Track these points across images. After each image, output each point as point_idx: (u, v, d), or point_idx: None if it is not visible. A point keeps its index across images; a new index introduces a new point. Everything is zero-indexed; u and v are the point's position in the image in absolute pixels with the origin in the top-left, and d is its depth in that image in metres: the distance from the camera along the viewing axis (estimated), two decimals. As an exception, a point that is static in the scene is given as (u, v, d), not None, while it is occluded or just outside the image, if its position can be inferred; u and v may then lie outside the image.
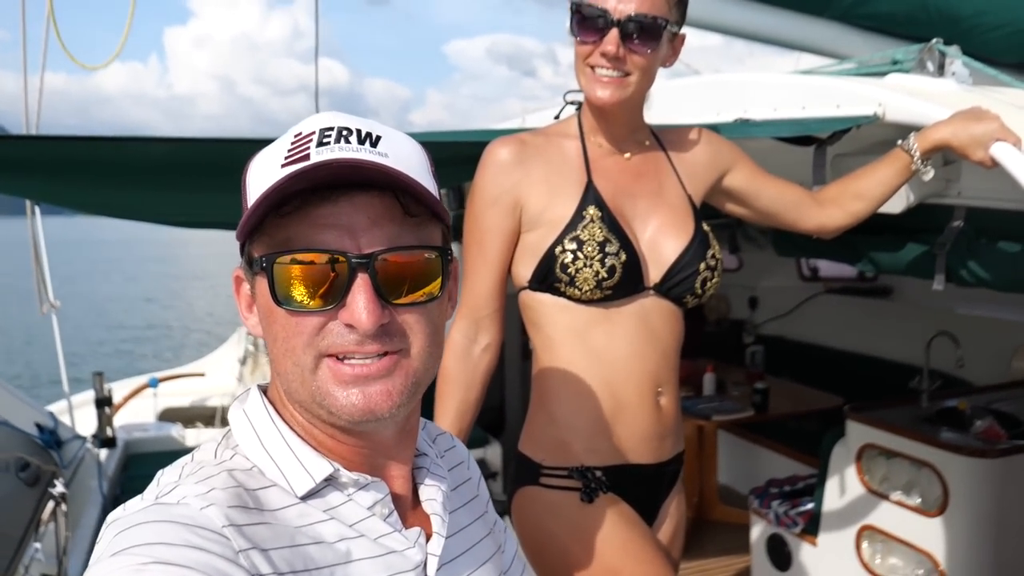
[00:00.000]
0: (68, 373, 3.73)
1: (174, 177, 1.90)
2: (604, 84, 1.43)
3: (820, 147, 1.78)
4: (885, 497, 2.62)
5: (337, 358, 0.76)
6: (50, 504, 2.62)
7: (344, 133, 0.76)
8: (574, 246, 1.43)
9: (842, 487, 2.78)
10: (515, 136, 1.52)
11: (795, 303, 4.63)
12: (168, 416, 4.80)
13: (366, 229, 0.75)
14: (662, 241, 1.51)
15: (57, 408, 3.74)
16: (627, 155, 1.54)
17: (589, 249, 1.42)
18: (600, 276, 1.43)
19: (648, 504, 1.59)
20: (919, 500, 2.54)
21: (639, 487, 1.55)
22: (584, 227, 1.43)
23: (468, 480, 1.03)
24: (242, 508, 0.74)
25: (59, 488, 2.67)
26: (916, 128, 1.54)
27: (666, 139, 1.61)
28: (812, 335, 4.61)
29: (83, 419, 3.81)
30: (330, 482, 0.80)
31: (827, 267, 4.57)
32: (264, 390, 0.87)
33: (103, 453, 3.58)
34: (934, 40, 1.75)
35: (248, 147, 1.79)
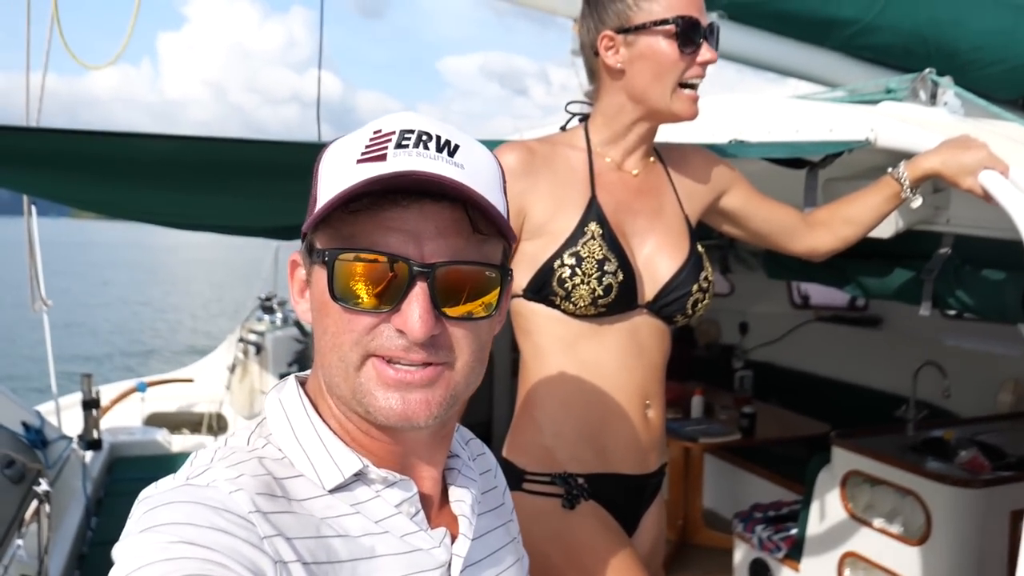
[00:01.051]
0: (56, 374, 3.72)
1: (173, 175, 1.91)
2: (695, 99, 1.47)
3: (812, 170, 1.81)
4: (868, 524, 2.63)
5: (384, 359, 0.76)
6: (34, 503, 2.61)
7: (424, 138, 0.76)
8: (573, 261, 1.43)
9: (826, 513, 2.79)
10: (523, 143, 1.52)
11: (785, 330, 4.66)
12: (155, 421, 4.78)
13: (432, 238, 0.75)
14: (658, 260, 1.52)
15: (45, 409, 3.73)
16: (635, 171, 1.56)
17: (588, 266, 1.43)
18: (596, 294, 1.43)
19: (629, 514, 1.59)
20: (902, 528, 2.55)
21: (622, 497, 1.56)
22: (585, 243, 1.44)
23: (495, 488, 1.03)
24: (270, 496, 0.75)
25: (43, 487, 2.66)
26: (907, 154, 1.57)
27: (667, 157, 1.62)
28: (801, 362, 4.63)
29: (70, 421, 3.80)
30: (359, 477, 0.80)
31: (818, 294, 4.59)
32: (303, 381, 0.86)
33: (88, 455, 3.56)
34: (927, 70, 1.79)
35: (249, 148, 1.81)
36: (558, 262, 1.44)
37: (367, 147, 0.76)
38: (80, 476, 3.28)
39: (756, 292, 4.69)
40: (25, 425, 3.19)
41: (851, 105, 1.85)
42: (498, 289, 0.79)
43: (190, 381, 5.06)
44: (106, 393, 4.34)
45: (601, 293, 1.43)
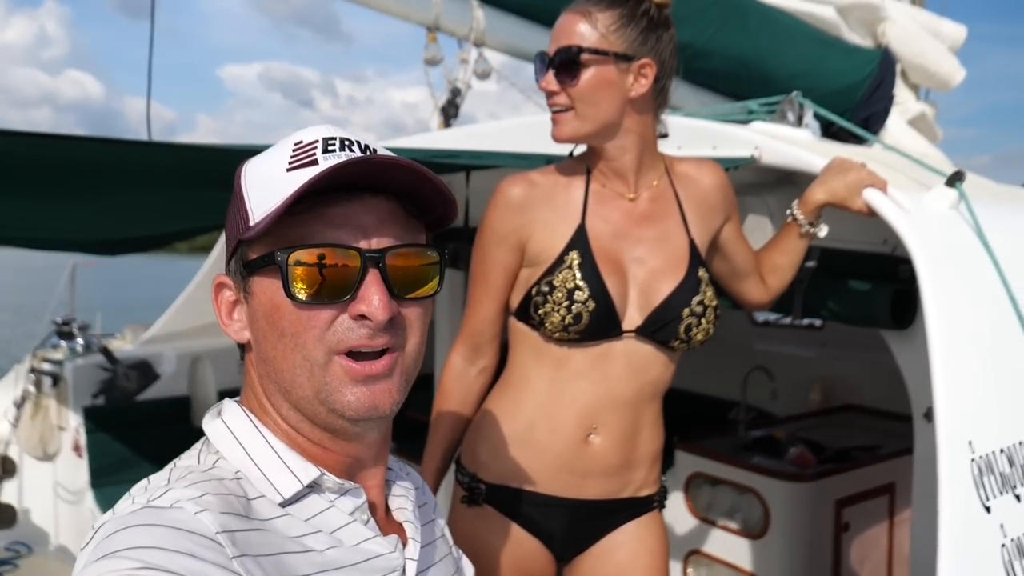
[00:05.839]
0: None
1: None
2: (554, 121, 1.49)
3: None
4: (711, 522, 2.78)
5: (347, 355, 0.80)
6: None
7: (347, 143, 0.81)
8: (546, 290, 1.49)
9: (671, 515, 2.91)
10: (526, 176, 1.55)
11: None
12: (-79, 466, 4.10)
13: (375, 228, 0.80)
14: (653, 285, 1.52)
15: None
16: (631, 196, 1.54)
17: (558, 295, 1.47)
18: (566, 321, 1.47)
19: (559, 537, 1.59)
20: (742, 524, 2.72)
21: (539, 514, 1.57)
22: (560, 272, 1.48)
23: (426, 504, 1.04)
24: (234, 515, 0.75)
25: None
26: (788, 171, 1.67)
27: (679, 172, 1.60)
28: None
29: None
30: (313, 488, 0.82)
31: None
32: (238, 402, 0.88)
33: None
34: (794, 93, 1.93)
35: (65, 146, 1.57)
36: (535, 290, 1.50)
37: (293, 156, 0.80)
38: None
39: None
40: None
41: (729, 124, 1.95)
42: (439, 267, 0.85)
43: (-33, 419, 4.40)
44: None
45: (571, 320, 1.47)
